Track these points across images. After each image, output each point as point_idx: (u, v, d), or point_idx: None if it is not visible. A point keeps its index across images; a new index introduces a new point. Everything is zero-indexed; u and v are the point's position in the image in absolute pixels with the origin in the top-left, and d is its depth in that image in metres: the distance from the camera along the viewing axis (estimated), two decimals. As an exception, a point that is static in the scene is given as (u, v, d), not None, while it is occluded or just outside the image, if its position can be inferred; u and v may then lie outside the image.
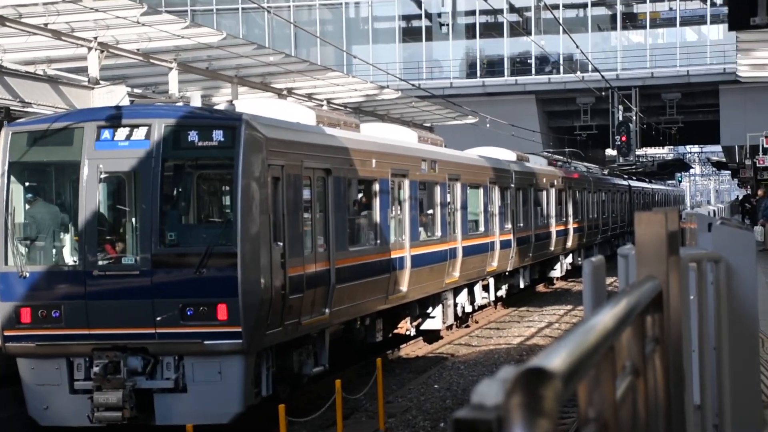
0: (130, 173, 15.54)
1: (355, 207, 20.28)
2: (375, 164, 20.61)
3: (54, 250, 15.76)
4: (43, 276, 15.41)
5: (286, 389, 17.24)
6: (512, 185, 31.76)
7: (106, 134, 15.40)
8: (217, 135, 15.27)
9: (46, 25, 22.39)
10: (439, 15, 63.07)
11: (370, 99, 37.98)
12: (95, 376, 14.92)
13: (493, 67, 61.64)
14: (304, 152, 17.26)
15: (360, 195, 20.67)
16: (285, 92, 33.33)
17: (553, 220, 37.69)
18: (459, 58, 62.30)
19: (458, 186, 26.10)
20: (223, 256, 15.04)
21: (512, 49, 61.62)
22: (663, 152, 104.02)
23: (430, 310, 24.86)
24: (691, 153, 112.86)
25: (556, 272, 40.59)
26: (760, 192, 41.90)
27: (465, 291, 27.15)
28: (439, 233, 24.41)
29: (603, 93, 53.19)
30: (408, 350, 24.89)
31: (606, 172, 59.27)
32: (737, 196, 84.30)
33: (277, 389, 16.55)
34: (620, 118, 55.19)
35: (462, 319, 28.23)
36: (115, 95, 23.23)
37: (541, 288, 40.02)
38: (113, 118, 15.51)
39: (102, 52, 24.00)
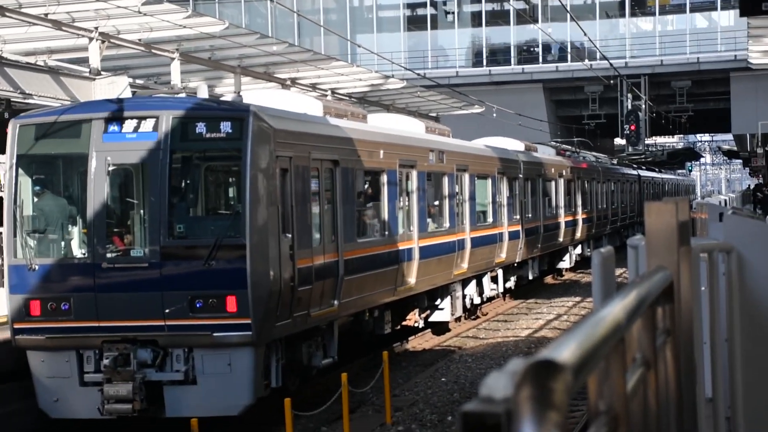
0: (138, 165, 15.73)
1: (363, 198, 20.46)
2: (383, 155, 20.80)
3: (63, 243, 15.97)
4: (53, 269, 15.61)
5: (296, 381, 17.44)
6: (520, 175, 31.85)
7: (113, 126, 15.60)
8: (225, 126, 15.46)
9: (46, 15, 22.40)
10: (444, 3, 63.00)
11: (375, 89, 37.98)
12: (105, 369, 15.14)
13: (497, 55, 61.53)
14: (312, 143, 17.45)
15: (368, 186, 20.85)
16: (289, 82, 33.33)
17: (561, 211, 37.74)
18: (465, 46, 62.21)
19: (466, 177, 26.26)
20: (232, 248, 15.22)
21: (519, 37, 61.53)
22: (673, 141, 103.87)
23: (438, 301, 25.05)
24: (701, 142, 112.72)
25: (565, 263, 40.65)
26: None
27: (473, 282, 27.28)
28: (447, 224, 24.61)
29: (611, 81, 53.11)
30: (415, 343, 24.95)
31: (615, 161, 59.23)
32: (749, 185, 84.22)
33: (286, 381, 16.73)
34: (629, 107, 55.10)
35: (470, 311, 28.31)
36: (117, 86, 23.26)
37: (549, 280, 40.04)
38: (121, 110, 15.70)
39: (103, 42, 24.01)
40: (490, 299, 30.37)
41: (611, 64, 44.99)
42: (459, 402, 18.03)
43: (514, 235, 30.39)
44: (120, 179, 15.97)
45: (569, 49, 58.48)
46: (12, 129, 15.90)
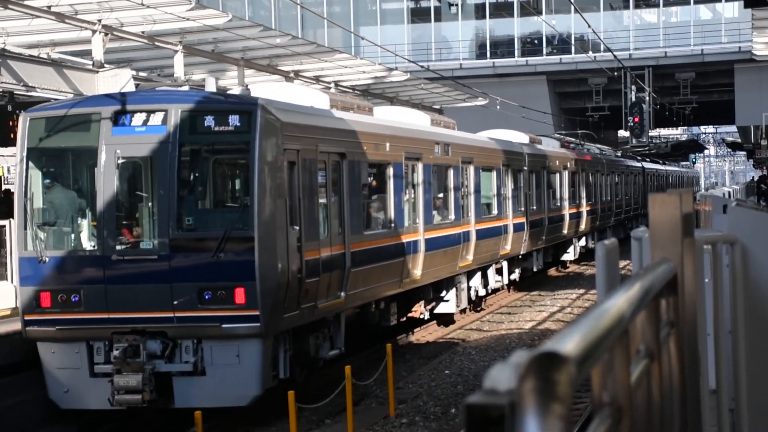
0: (147, 158, 15.95)
1: (369, 191, 20.66)
2: (389, 148, 20.99)
3: (73, 236, 16.19)
4: (63, 261, 15.82)
5: (303, 372, 17.63)
6: (525, 168, 31.97)
7: (123, 120, 15.81)
8: (234, 120, 15.66)
9: (49, 7, 22.40)
10: (448, -6, 62.87)
11: (379, 81, 37.95)
12: (115, 360, 15.35)
13: (500, 47, 61.46)
14: (319, 136, 17.65)
15: (374, 179, 21.06)
16: (292, 75, 33.32)
17: (566, 203, 37.86)
18: (468, 38, 62.14)
19: (471, 169, 26.44)
20: (241, 240, 15.42)
21: (523, 29, 61.45)
22: (677, 133, 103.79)
23: (443, 293, 25.25)
24: (705, 134, 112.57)
25: (569, 255, 40.73)
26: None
27: (478, 274, 27.40)
28: (452, 217, 24.82)
29: (615, 73, 53.03)
30: (419, 335, 25.00)
31: (619, 153, 59.17)
32: (753, 177, 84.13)
33: (293, 372, 16.92)
34: (633, 99, 55.03)
35: (475, 303, 28.41)
36: (120, 79, 23.26)
37: (553, 272, 40.07)
38: (130, 103, 15.90)
39: (106, 35, 24.00)
40: (495, 291, 30.48)
41: (615, 56, 44.95)
42: (463, 394, 18.06)
43: (518, 227, 30.51)
44: (129, 172, 16.17)
45: (573, 41, 58.39)
46: (22, 122, 16.12)
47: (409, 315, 24.15)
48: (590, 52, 53.52)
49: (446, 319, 26.52)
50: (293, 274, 16.08)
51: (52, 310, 15.66)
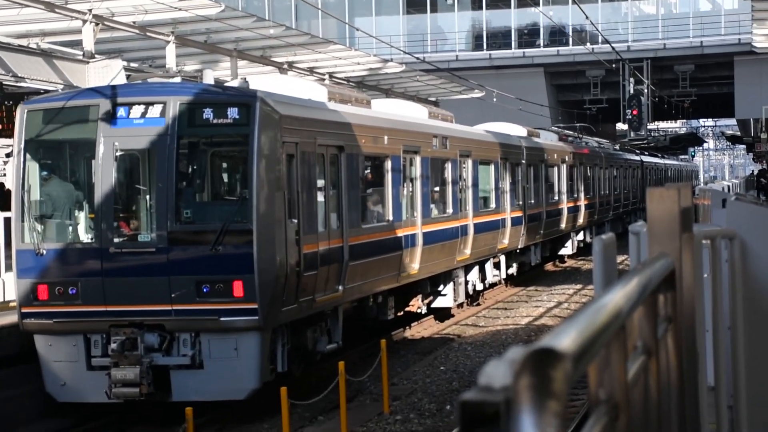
0: (145, 151, 16.13)
1: (367, 184, 20.86)
2: (387, 141, 21.20)
3: (70, 228, 16.35)
4: (60, 253, 15.99)
5: (300, 366, 17.80)
6: (523, 161, 32.11)
7: (121, 112, 15.97)
8: (232, 112, 15.83)
9: (38, -3, 22.34)
10: (444, -15, 62.85)
11: (374, 73, 37.96)
12: (113, 353, 15.51)
13: (497, 39, 61.44)
14: (318, 129, 17.84)
15: (372, 172, 21.27)
16: (286, 66, 33.31)
17: (564, 197, 37.98)
18: (465, 30, 62.12)
19: (469, 162, 26.62)
20: (239, 233, 15.59)
21: (520, 20, 61.44)
22: (675, 126, 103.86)
23: (441, 287, 25.45)
24: (704, 127, 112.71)
25: (567, 250, 40.81)
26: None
27: (476, 269, 27.51)
28: (450, 210, 25.07)
29: (613, 65, 53.05)
30: (414, 331, 25.04)
31: (617, 147, 59.21)
32: (752, 170, 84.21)
33: (291, 366, 17.08)
34: (631, 91, 55.03)
35: (473, 297, 28.51)
36: (111, 70, 23.24)
37: (550, 267, 40.14)
38: (129, 96, 16.09)
39: (97, 25, 23.98)
40: (493, 285, 30.59)
41: (613, 48, 44.95)
42: (458, 391, 18.08)
43: (516, 221, 30.66)
44: (127, 165, 16.35)
45: (570, 33, 58.38)
46: (20, 114, 16.27)
47: (407, 309, 24.32)
48: (588, 44, 53.52)
49: (443, 314, 26.60)
50: (291, 267, 16.24)
51: (49, 303, 15.82)
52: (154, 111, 15.85)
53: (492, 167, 28.91)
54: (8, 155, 21.59)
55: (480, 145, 28.08)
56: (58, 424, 16.54)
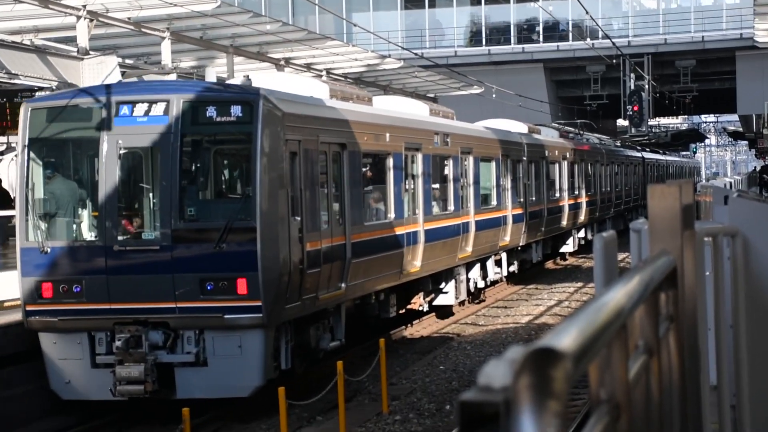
0: (148, 149, 16.37)
1: (369, 181, 21.11)
2: (389, 138, 21.47)
3: (74, 226, 16.60)
4: (64, 251, 16.22)
5: (303, 364, 18.01)
6: (524, 158, 32.30)
7: (124, 110, 16.20)
8: (236, 110, 16.07)
9: (32, -8, 22.33)
10: (442, -21, 62.83)
11: (371, 69, 37.98)
12: (117, 350, 15.74)
13: (496, 34, 61.41)
14: (320, 127, 18.10)
15: (374, 169, 21.50)
16: (282, 62, 33.32)
17: (565, 194, 38.15)
18: (463, 25, 62.11)
19: (470, 159, 26.93)
20: (243, 230, 15.83)
21: (519, 15, 61.43)
22: (677, 122, 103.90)
23: (443, 285, 25.69)
24: (706, 123, 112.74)
25: (568, 247, 40.92)
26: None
27: (477, 266, 27.69)
28: (452, 207, 25.37)
29: (614, 61, 53.07)
30: (413, 330, 25.08)
31: (618, 143, 59.23)
32: (755, 167, 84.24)
33: (294, 364, 17.28)
34: (632, 87, 55.05)
35: (474, 295, 28.61)
36: (106, 66, 23.25)
37: (550, 265, 40.20)
38: (132, 93, 16.34)
39: (91, 20, 23.98)
40: (495, 283, 30.73)
41: (614, 43, 44.99)
42: (457, 391, 18.12)
43: (517, 219, 30.87)
44: (131, 163, 16.57)
45: (570, 28, 58.38)
46: (24, 112, 16.49)
47: (408, 307, 24.56)
48: (588, 39, 53.52)
49: (445, 312, 26.73)
50: (295, 264, 16.48)
51: (53, 301, 16.04)
52: (158, 109, 16.06)
53: (493, 164, 29.15)
54: (1, 153, 21.59)
55: (481, 142, 28.32)
56: (62, 421, 16.75)
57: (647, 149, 67.55)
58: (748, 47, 52.71)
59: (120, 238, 15.98)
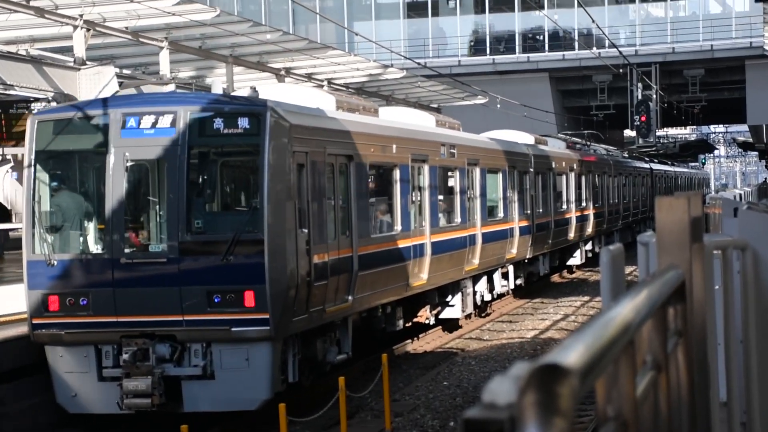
0: (155, 161, 16.60)
1: (376, 193, 21.38)
2: (395, 150, 21.76)
3: (81, 239, 16.82)
4: (71, 264, 16.44)
5: (310, 377, 18.24)
6: (531, 170, 32.46)
7: (131, 122, 16.42)
8: (243, 122, 16.29)
9: (28, 1, 22.40)
10: (446, -12, 62.93)
11: (374, 79, 38.04)
12: (124, 363, 15.95)
13: (501, 43, 61.49)
14: (327, 138, 18.37)
15: (381, 181, 21.80)
16: (283, 72, 33.39)
17: (572, 206, 38.29)
18: (467, 34, 62.20)
19: (477, 171, 27.20)
20: (250, 243, 16.03)
21: (524, 24, 61.54)
22: (685, 133, 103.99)
23: (449, 298, 25.93)
24: (715, 133, 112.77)
25: (576, 260, 40.98)
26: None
27: (484, 279, 27.78)
28: (458, 220, 25.58)
29: (621, 70, 53.16)
30: (416, 345, 25.07)
31: (626, 154, 59.24)
32: (765, 178, 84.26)
33: (301, 377, 17.50)
34: (639, 97, 55.12)
35: (481, 308, 28.68)
36: (103, 77, 23.30)
37: (556, 278, 40.18)
38: (139, 105, 16.60)
39: (88, 30, 24.04)
40: (501, 296, 30.80)
41: (620, 52, 45.05)
42: (461, 407, 18.12)
43: (524, 231, 31.06)
44: (138, 175, 16.80)
45: (576, 37, 58.45)
46: (30, 125, 16.74)
47: (415, 320, 24.76)
48: (594, 48, 53.58)
49: (451, 325, 26.81)
50: (302, 277, 16.71)
51: (60, 314, 16.24)
52: (165, 121, 16.27)
53: (500, 176, 29.39)
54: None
55: (488, 153, 28.56)
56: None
57: (655, 160, 67.60)
58: (758, 56, 52.78)
59: (127, 250, 16.17)
